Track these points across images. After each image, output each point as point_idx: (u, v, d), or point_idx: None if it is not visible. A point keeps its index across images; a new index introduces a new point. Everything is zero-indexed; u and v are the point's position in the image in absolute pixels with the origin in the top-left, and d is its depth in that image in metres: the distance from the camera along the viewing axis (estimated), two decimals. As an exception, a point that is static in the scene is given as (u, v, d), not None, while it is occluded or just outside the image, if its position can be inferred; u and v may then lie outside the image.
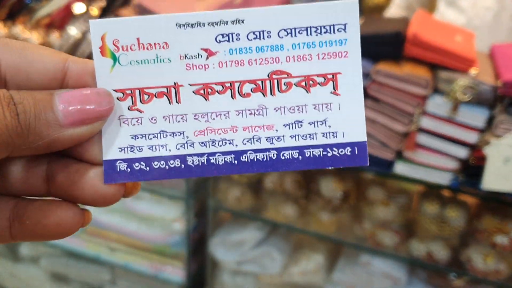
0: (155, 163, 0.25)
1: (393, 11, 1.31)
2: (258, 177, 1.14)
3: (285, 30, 0.25)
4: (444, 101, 0.89)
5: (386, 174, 0.97)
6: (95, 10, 1.11)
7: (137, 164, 0.25)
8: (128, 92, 0.25)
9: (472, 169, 0.91)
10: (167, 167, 0.25)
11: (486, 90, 0.88)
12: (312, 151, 0.25)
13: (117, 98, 0.25)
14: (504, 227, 0.97)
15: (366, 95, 0.93)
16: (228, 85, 0.25)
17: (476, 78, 0.89)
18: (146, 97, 0.25)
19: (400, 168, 0.94)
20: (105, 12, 1.10)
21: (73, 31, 1.08)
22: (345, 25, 0.25)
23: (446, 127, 0.90)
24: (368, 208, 1.07)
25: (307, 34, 0.25)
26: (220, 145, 0.25)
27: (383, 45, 0.93)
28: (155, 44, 0.25)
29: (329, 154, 0.25)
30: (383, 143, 0.93)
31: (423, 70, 0.91)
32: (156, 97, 0.25)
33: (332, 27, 0.25)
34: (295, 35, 0.25)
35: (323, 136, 0.25)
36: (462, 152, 0.90)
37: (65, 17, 1.13)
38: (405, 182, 1.02)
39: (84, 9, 1.12)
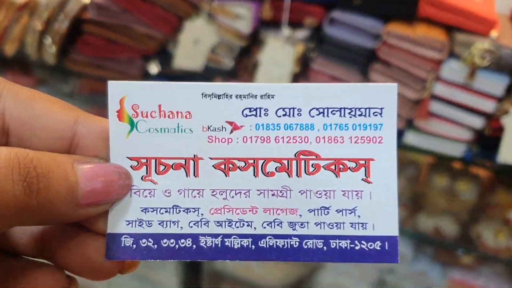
0: (164, 241, 0.23)
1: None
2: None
3: (317, 109, 0.23)
4: (460, 66, 0.82)
5: (395, 145, 0.90)
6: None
7: (144, 240, 0.23)
8: (144, 161, 0.24)
9: (487, 140, 0.85)
10: (177, 246, 0.23)
11: (506, 54, 0.81)
12: (339, 243, 0.23)
13: (131, 167, 0.23)
14: (519, 203, 0.92)
15: (376, 58, 0.86)
16: (251, 161, 0.24)
17: (497, 42, 0.81)
18: (162, 168, 0.24)
19: (410, 138, 0.88)
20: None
21: (61, -13, 1.01)
22: (381, 109, 0.23)
23: (461, 95, 0.83)
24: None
25: (340, 115, 0.23)
26: (237, 227, 0.23)
27: (396, 3, 0.85)
28: (177, 112, 0.23)
29: (357, 248, 0.23)
30: (393, 111, 0.86)
31: (438, 32, 0.84)
32: (173, 168, 0.24)
33: (367, 110, 0.23)
34: (327, 115, 0.23)
35: (351, 226, 0.23)
36: (477, 122, 0.84)
37: (52, -29, 1.05)
38: (414, 153, 0.96)
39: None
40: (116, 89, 0.23)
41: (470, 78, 0.81)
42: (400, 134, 0.88)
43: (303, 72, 0.92)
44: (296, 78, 0.91)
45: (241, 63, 0.99)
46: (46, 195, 0.19)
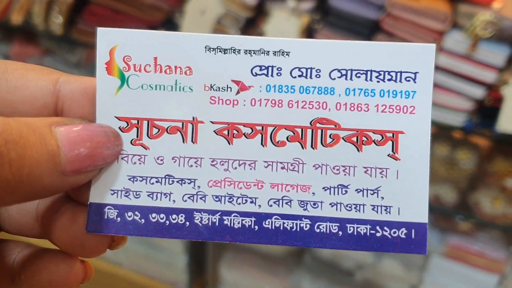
0: (153, 215, 0.21)
1: None
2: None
3: (339, 70, 0.20)
4: (463, 37, 0.83)
5: (397, 114, 0.92)
6: None
7: (130, 213, 0.21)
8: (134, 122, 0.21)
9: (487, 110, 0.87)
10: (167, 222, 0.21)
11: (508, 26, 0.82)
12: (357, 228, 0.20)
13: (119, 128, 0.21)
14: (516, 171, 0.94)
15: (380, 29, 0.87)
16: (259, 128, 0.21)
17: (499, 13, 0.83)
18: (155, 130, 0.21)
19: (412, 108, 0.90)
20: None
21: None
22: (415, 74, 0.20)
23: (463, 65, 0.85)
24: (376, 149, 1.04)
25: (366, 79, 0.20)
26: (239, 203, 0.21)
27: (401, -26, 0.86)
28: (176, 67, 0.20)
29: (378, 234, 0.21)
30: (395, 81, 0.88)
31: (442, 3, 0.85)
32: (167, 132, 0.21)
33: (399, 75, 0.20)
34: (351, 78, 0.20)
35: (372, 209, 0.21)
36: (478, 92, 0.85)
37: None
38: (415, 122, 0.98)
39: None
40: (106, 37, 0.20)
41: (472, 48, 0.83)
42: (402, 104, 0.90)
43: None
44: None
45: (246, 34, 1.00)
46: (22, 165, 0.16)
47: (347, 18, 0.89)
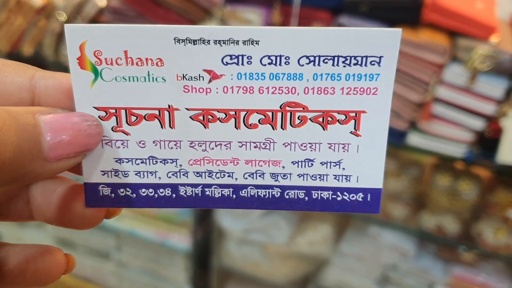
0: (143, 190, 0.23)
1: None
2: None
3: (307, 57, 0.21)
4: (462, 70, 0.85)
5: (399, 145, 0.94)
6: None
7: (122, 190, 0.23)
8: (113, 111, 0.22)
9: (487, 141, 0.88)
10: (156, 195, 0.23)
11: (506, 59, 0.84)
12: (321, 193, 0.23)
13: (99, 117, 0.22)
14: (518, 202, 0.95)
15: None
16: (232, 113, 0.22)
17: (497, 47, 0.85)
18: (133, 118, 0.22)
19: (414, 139, 0.91)
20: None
21: (78, -9, 1.05)
22: (380, 58, 0.21)
23: (463, 98, 0.87)
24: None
25: (333, 64, 0.21)
26: (218, 177, 0.23)
27: (401, 10, 0.89)
28: (146, 59, 0.21)
29: (339, 198, 0.23)
30: (397, 112, 0.90)
31: (441, 37, 0.88)
32: (146, 119, 0.22)
33: (364, 59, 0.21)
34: (319, 64, 0.21)
35: (334, 178, 0.23)
36: (478, 124, 0.87)
37: (70, -24, 1.09)
38: (417, 153, 1.00)
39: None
40: (75, 33, 0.21)
41: (471, 81, 0.85)
42: (403, 135, 0.92)
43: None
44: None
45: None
46: (4, 150, 0.17)
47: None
